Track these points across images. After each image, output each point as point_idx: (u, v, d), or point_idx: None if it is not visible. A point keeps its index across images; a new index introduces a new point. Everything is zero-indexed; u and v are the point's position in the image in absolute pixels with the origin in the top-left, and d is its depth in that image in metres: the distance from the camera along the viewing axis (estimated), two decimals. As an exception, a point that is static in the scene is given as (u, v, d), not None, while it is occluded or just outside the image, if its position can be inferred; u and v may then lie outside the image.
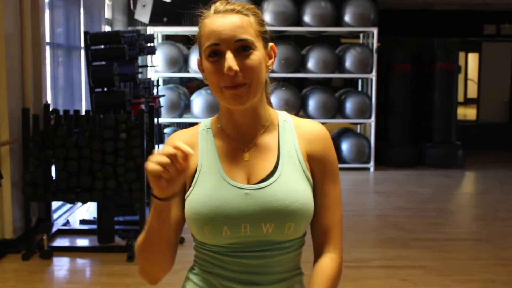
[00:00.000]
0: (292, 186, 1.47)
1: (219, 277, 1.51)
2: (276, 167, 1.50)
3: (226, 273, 1.50)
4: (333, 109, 9.32)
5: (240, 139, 1.53)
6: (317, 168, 1.54)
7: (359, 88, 10.54)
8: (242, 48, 1.43)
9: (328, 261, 1.51)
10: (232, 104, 1.46)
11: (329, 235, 1.53)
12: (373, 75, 9.46)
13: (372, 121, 9.53)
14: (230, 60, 1.41)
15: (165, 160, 1.28)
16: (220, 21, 1.45)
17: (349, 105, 9.47)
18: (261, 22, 1.51)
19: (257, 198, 1.45)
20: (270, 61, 1.53)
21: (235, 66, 1.41)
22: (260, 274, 1.49)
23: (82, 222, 6.12)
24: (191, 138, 1.55)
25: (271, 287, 1.50)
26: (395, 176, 9.17)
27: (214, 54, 1.44)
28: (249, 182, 1.49)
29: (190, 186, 1.50)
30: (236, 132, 1.53)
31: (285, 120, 1.58)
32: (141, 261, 1.50)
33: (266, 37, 1.52)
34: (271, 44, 1.53)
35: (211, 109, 9.17)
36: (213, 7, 1.49)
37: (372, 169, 9.54)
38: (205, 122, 1.59)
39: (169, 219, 1.43)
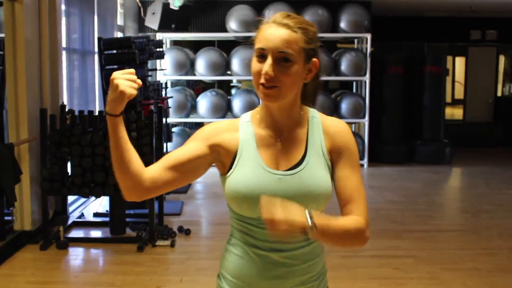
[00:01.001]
0: (316, 174, 1.64)
1: (251, 246, 1.68)
2: (304, 157, 1.66)
3: (257, 242, 1.67)
4: (330, 110, 9.32)
5: (275, 131, 1.70)
6: (338, 158, 1.68)
7: (354, 90, 10.54)
8: (283, 59, 1.59)
9: (352, 217, 1.60)
10: (263, 99, 1.64)
11: (353, 212, 1.63)
12: (367, 78, 9.46)
13: (366, 120, 9.53)
14: (268, 65, 1.59)
15: (133, 77, 1.55)
16: (272, 31, 1.62)
17: (345, 105, 9.47)
18: (309, 40, 1.63)
19: (289, 183, 1.62)
20: (309, 75, 1.68)
21: (270, 72, 1.58)
22: (285, 242, 1.65)
23: (96, 215, 6.13)
24: (231, 126, 1.72)
25: (295, 249, 1.67)
26: (388, 172, 9.17)
27: (261, 56, 1.61)
28: (279, 168, 1.66)
29: (230, 168, 1.67)
30: (272, 124, 1.70)
31: (314, 116, 1.73)
32: (118, 177, 1.64)
33: (310, 53, 1.65)
34: (314, 60, 1.67)
35: (216, 109, 9.18)
36: (273, 16, 1.66)
37: (366, 166, 9.54)
38: (247, 115, 1.76)
39: (124, 138, 1.60)
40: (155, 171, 1.65)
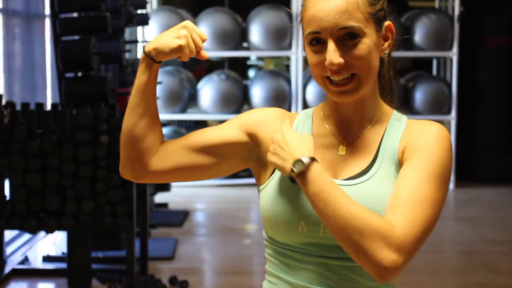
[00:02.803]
0: (383, 186, 1.74)
1: (290, 286, 1.81)
2: (370, 166, 1.78)
3: (297, 282, 1.79)
4: (397, 101, 9.29)
5: (341, 131, 1.85)
6: (405, 161, 1.76)
7: (434, 72, 10.50)
8: (348, 36, 1.70)
9: (379, 216, 1.65)
10: (337, 99, 1.77)
11: (388, 218, 1.67)
12: (454, 53, 9.43)
13: (453, 118, 9.50)
14: (332, 52, 1.69)
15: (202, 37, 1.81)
16: (322, 4, 1.71)
17: (420, 95, 9.45)
18: (373, 1, 1.74)
19: None
20: (386, 44, 1.81)
21: (338, 59, 1.69)
22: None
23: (46, 259, 6.16)
24: (286, 116, 1.87)
25: None
26: (486, 196, 9.12)
27: (317, 42, 1.73)
28: (337, 177, 1.79)
29: (272, 173, 1.83)
30: (339, 124, 1.85)
31: (398, 119, 1.86)
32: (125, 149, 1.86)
33: (380, 16, 1.76)
34: (387, 23, 1.80)
35: (226, 101, 9.21)
36: None
37: (452, 186, 9.51)
38: (308, 109, 1.92)
39: (153, 98, 1.85)
40: (170, 147, 1.86)
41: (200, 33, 1.80)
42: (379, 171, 1.76)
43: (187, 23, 1.79)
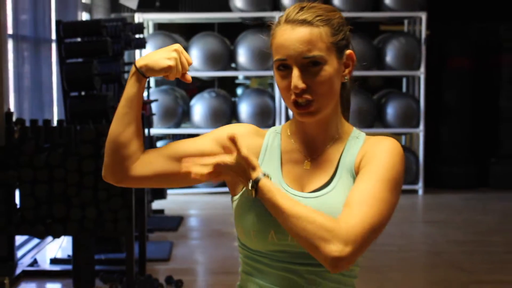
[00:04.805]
0: (342, 200, 1.75)
1: (257, 286, 1.83)
2: (331, 179, 1.82)
3: (266, 284, 1.82)
4: (371, 116, 9.32)
5: (306, 148, 1.88)
6: (360, 171, 1.79)
7: (404, 89, 10.53)
8: (312, 64, 1.74)
9: (325, 214, 1.70)
10: (300, 119, 1.81)
11: (341, 216, 1.72)
12: (421, 72, 9.47)
13: (421, 130, 9.52)
14: (296, 78, 1.74)
15: (189, 61, 1.84)
16: (289, 34, 1.75)
17: (391, 110, 9.47)
18: (335, 31, 1.78)
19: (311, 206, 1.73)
20: (346, 70, 1.84)
21: (301, 85, 1.74)
22: None
23: (54, 261, 6.14)
24: (257, 132, 1.92)
25: None
26: (451, 201, 9.14)
27: (284, 67, 1.77)
28: (303, 190, 1.83)
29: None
30: (304, 141, 1.88)
31: (356, 137, 1.88)
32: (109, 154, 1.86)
33: (341, 45, 1.80)
34: (348, 52, 1.82)
35: (216, 116, 9.21)
36: (285, 14, 1.79)
37: (420, 192, 9.51)
38: (276, 127, 1.96)
39: (139, 106, 1.85)
40: (151, 155, 1.87)
41: (188, 57, 1.83)
42: (339, 184, 1.80)
43: (178, 46, 1.81)
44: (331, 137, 1.86)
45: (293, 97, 1.76)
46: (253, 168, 1.72)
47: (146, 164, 1.85)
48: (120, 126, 1.84)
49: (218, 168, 1.73)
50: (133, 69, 1.83)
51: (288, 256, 1.80)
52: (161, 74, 1.81)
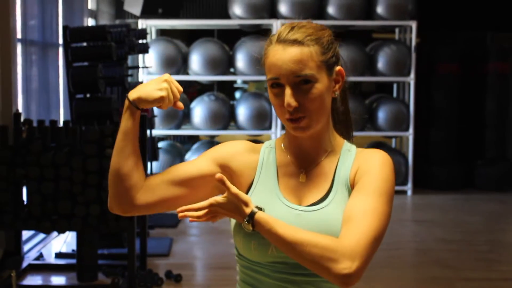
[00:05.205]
0: (339, 213, 1.76)
1: None
2: (328, 193, 1.81)
3: None
4: (363, 119, 9.33)
5: (300, 161, 1.87)
6: (356, 185, 1.80)
7: (394, 94, 10.54)
8: (303, 82, 1.75)
9: (326, 236, 1.69)
10: (294, 133, 1.81)
11: (341, 235, 1.71)
12: (411, 78, 9.48)
13: (410, 134, 9.53)
14: (288, 96, 1.74)
15: (179, 89, 1.82)
16: (280, 54, 1.75)
17: (382, 114, 9.48)
18: (325, 50, 1.78)
19: (308, 220, 1.76)
20: (336, 86, 1.85)
21: (293, 103, 1.74)
22: None
23: (59, 255, 6.15)
24: (252, 148, 1.91)
25: None
26: (438, 202, 9.15)
27: (277, 85, 1.77)
28: (301, 203, 1.83)
29: None
30: (298, 154, 1.87)
31: (348, 150, 1.88)
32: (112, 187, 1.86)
33: (331, 62, 1.80)
34: (337, 68, 1.83)
35: (215, 119, 9.21)
36: (277, 34, 1.80)
37: (409, 193, 9.52)
38: (270, 141, 1.96)
39: (135, 137, 1.85)
40: (153, 182, 1.86)
41: (178, 86, 1.83)
42: (336, 198, 1.80)
43: (167, 76, 1.81)
44: (324, 150, 1.87)
45: (287, 115, 1.77)
46: (245, 204, 1.70)
47: (150, 192, 1.84)
48: (121, 159, 1.83)
49: (213, 208, 1.71)
50: (126, 102, 1.82)
51: (287, 267, 1.79)
52: (154, 105, 1.80)
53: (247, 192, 1.86)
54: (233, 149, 1.88)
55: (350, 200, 1.76)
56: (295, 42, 1.75)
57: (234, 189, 1.70)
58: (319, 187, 1.83)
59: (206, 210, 1.72)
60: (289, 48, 1.75)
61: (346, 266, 1.62)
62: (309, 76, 1.75)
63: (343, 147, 1.89)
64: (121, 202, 1.84)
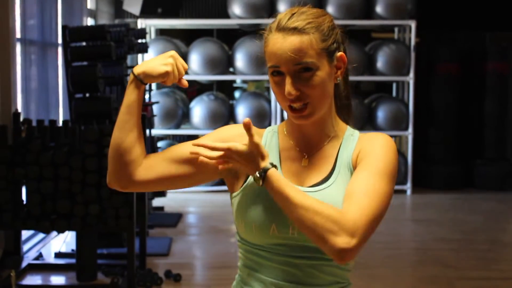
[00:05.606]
0: (341, 194, 1.76)
1: (259, 282, 1.83)
2: (330, 174, 1.82)
3: (266, 278, 1.81)
4: (362, 119, 9.33)
5: (303, 146, 1.88)
6: (357, 165, 1.81)
7: (394, 94, 10.54)
8: (303, 70, 1.75)
9: (331, 206, 1.70)
10: (296, 121, 1.82)
11: (344, 208, 1.72)
12: (410, 78, 9.47)
13: (410, 133, 9.53)
14: (289, 85, 1.75)
15: (184, 67, 1.82)
16: (281, 43, 1.75)
17: (382, 114, 9.48)
18: (325, 37, 1.77)
19: None
20: (338, 72, 1.84)
21: (294, 92, 1.75)
22: (301, 284, 1.79)
23: (58, 255, 6.14)
24: (256, 133, 1.82)
25: None
26: (438, 201, 9.15)
27: (277, 73, 1.78)
28: (303, 185, 1.83)
29: (245, 182, 1.85)
30: (300, 139, 1.88)
31: (351, 134, 1.89)
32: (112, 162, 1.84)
33: (332, 49, 1.79)
34: (339, 54, 1.82)
35: (214, 118, 9.21)
36: (277, 21, 1.80)
37: (409, 192, 9.52)
38: (273, 126, 1.97)
39: (139, 112, 1.83)
40: (153, 159, 1.85)
41: (183, 63, 1.82)
42: (338, 179, 1.81)
43: (173, 53, 1.81)
44: (327, 135, 1.87)
45: (288, 102, 1.78)
46: (263, 157, 1.72)
47: (149, 169, 1.83)
48: (122, 133, 1.82)
49: (228, 153, 1.72)
50: (131, 76, 1.82)
51: (288, 250, 1.80)
52: (158, 80, 1.80)
53: (247, 177, 1.85)
54: (236, 131, 1.87)
55: (352, 178, 1.77)
56: (295, 30, 1.75)
57: (257, 138, 1.72)
58: (321, 170, 1.84)
59: (221, 153, 1.73)
60: (289, 37, 1.75)
61: (345, 241, 1.63)
62: (309, 64, 1.74)
63: (346, 132, 1.89)
64: (120, 177, 1.83)
